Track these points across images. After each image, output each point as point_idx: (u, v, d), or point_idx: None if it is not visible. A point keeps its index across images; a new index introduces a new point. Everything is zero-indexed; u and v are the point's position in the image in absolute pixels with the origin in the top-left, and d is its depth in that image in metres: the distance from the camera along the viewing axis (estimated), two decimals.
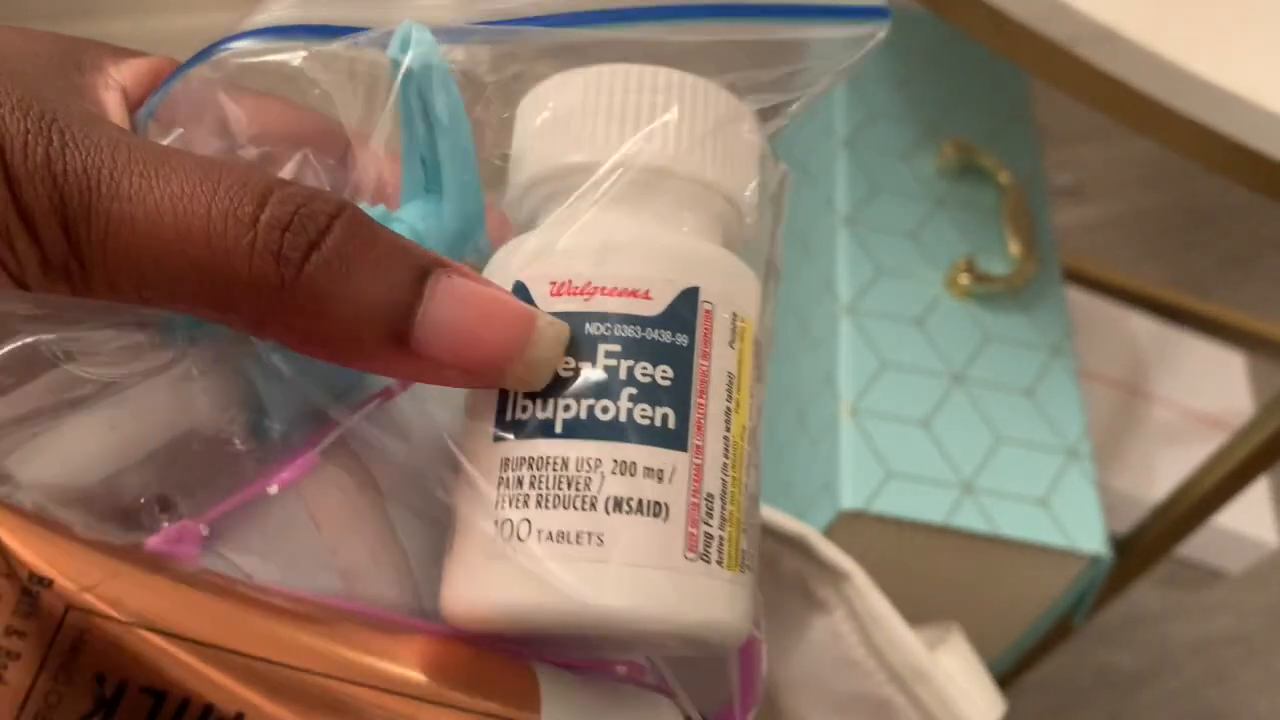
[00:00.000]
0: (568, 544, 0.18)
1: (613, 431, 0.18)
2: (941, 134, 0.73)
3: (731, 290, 0.20)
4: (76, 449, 0.19)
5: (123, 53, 0.23)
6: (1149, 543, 0.65)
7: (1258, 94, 0.45)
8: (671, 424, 0.18)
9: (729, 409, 0.19)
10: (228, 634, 0.17)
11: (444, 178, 0.21)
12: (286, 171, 0.22)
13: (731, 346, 0.20)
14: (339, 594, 0.20)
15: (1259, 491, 0.98)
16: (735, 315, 0.20)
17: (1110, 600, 0.68)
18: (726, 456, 0.19)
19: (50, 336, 0.19)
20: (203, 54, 0.21)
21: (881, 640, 0.39)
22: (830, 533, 0.56)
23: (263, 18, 0.21)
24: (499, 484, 0.19)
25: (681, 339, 0.19)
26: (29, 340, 0.19)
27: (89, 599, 0.16)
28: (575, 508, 0.18)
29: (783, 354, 0.75)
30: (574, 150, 0.20)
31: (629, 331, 0.19)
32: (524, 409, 0.19)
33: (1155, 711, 0.91)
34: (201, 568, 0.18)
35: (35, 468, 0.18)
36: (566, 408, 0.18)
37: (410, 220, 0.21)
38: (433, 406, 0.21)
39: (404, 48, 0.19)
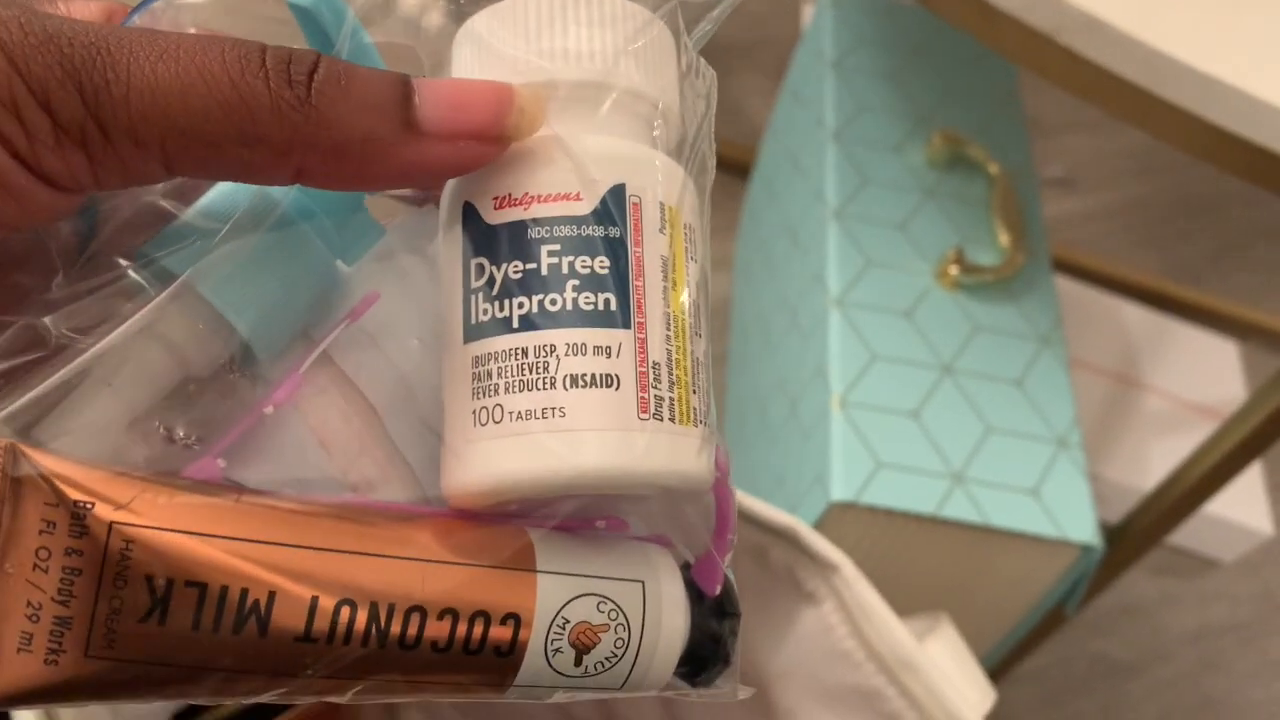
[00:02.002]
0: (535, 419, 0.20)
1: (562, 319, 0.21)
2: (931, 126, 0.73)
3: (658, 183, 0.22)
4: (89, 415, 0.21)
5: None
6: (1141, 532, 0.66)
7: (1244, 81, 0.45)
8: (614, 306, 0.21)
9: (666, 288, 0.22)
10: (251, 528, 0.20)
11: None
12: None
13: (662, 232, 0.22)
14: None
15: (1251, 479, 0.98)
16: (663, 205, 0.22)
17: (1103, 589, 0.68)
18: (669, 329, 0.22)
19: (44, 319, 0.21)
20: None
21: (870, 631, 0.39)
22: (822, 524, 0.56)
23: None
24: (472, 379, 0.21)
25: (614, 231, 0.21)
26: (26, 322, 0.21)
27: (126, 514, 0.19)
28: (538, 389, 0.21)
29: (773, 346, 0.75)
30: (507, 74, 0.22)
31: (566, 231, 0.21)
32: (484, 312, 0.21)
33: (1149, 700, 0.91)
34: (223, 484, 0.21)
35: (58, 434, 0.21)
36: (520, 305, 0.21)
37: None
38: (401, 330, 0.24)
39: None
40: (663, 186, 0.22)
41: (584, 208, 0.21)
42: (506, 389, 0.21)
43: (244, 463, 0.22)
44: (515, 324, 0.21)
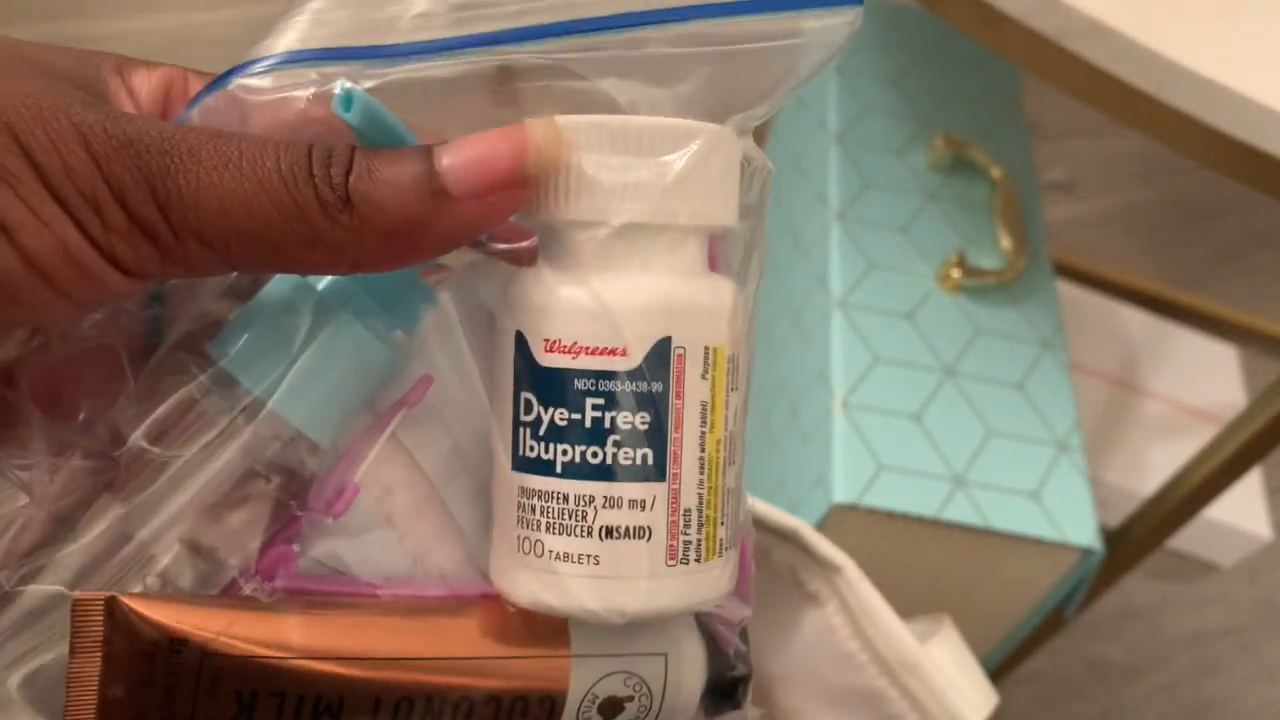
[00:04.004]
0: (572, 563, 0.23)
1: (601, 473, 0.22)
2: (933, 129, 0.73)
3: (703, 325, 0.23)
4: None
5: (130, 64, 0.25)
6: (1141, 536, 0.66)
7: (1247, 87, 0.45)
8: (650, 461, 0.23)
9: (704, 432, 0.23)
10: (320, 642, 0.23)
11: None
12: None
13: (704, 378, 0.23)
14: (410, 574, 0.25)
15: (1251, 484, 0.98)
16: (707, 349, 0.23)
17: (1102, 593, 0.68)
18: (702, 473, 0.23)
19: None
20: (218, 81, 0.23)
21: (873, 632, 0.39)
22: (823, 526, 0.56)
23: (273, 43, 0.23)
24: (518, 508, 0.23)
25: (657, 386, 0.22)
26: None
27: (216, 646, 0.22)
28: (576, 535, 0.22)
29: (775, 348, 0.75)
30: (565, 210, 0.22)
31: (610, 386, 0.22)
32: (531, 449, 0.23)
33: (1147, 704, 0.91)
34: (284, 597, 0.24)
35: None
36: (564, 452, 0.23)
37: None
38: (453, 400, 0.25)
39: (346, 107, 0.22)
40: (709, 328, 0.23)
41: (628, 364, 0.22)
42: (548, 529, 0.23)
43: (314, 536, 0.24)
44: (559, 469, 0.23)
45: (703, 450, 0.23)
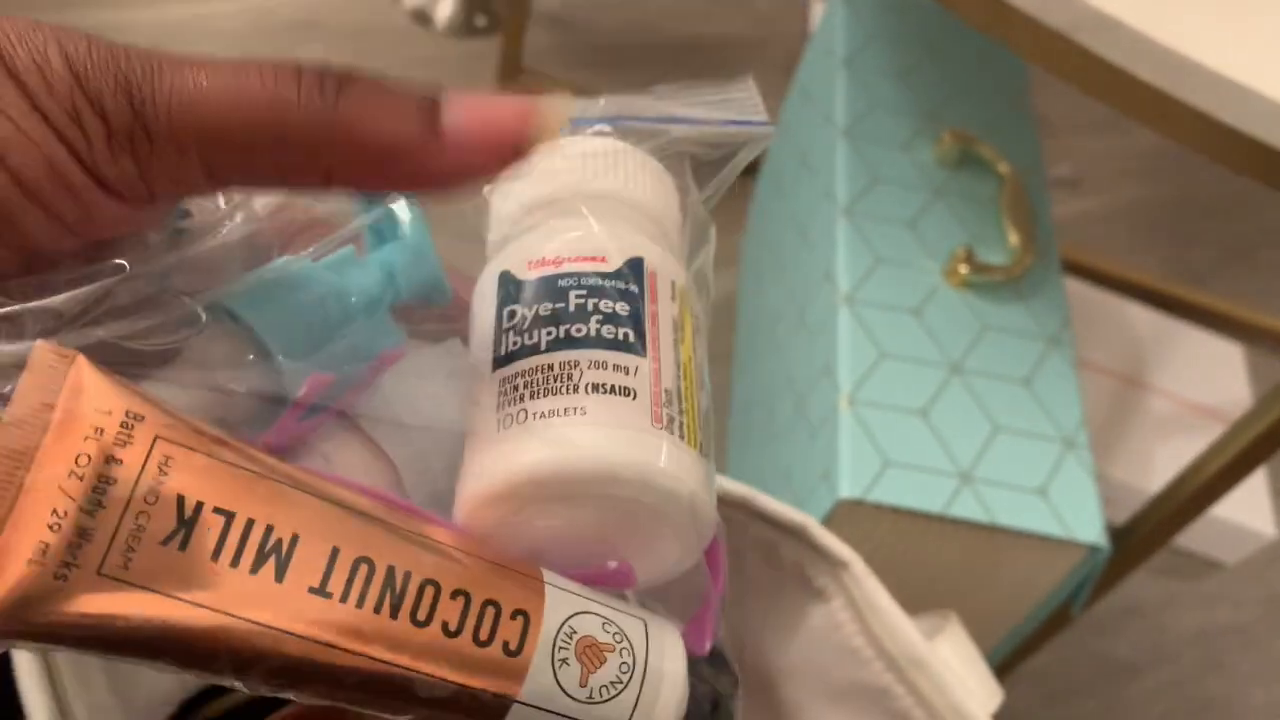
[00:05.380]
0: (557, 416, 0.22)
1: (586, 343, 0.23)
2: (940, 124, 0.73)
3: (668, 268, 0.25)
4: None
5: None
6: (1147, 533, 0.66)
7: (1259, 82, 0.45)
8: (632, 339, 0.23)
9: (676, 340, 0.24)
10: (286, 475, 0.21)
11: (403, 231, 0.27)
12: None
13: (673, 300, 0.25)
14: None
15: (1257, 482, 0.98)
16: (673, 283, 0.25)
17: (1108, 590, 0.68)
18: (678, 370, 0.24)
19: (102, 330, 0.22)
20: None
21: (880, 629, 0.39)
22: (829, 522, 0.56)
23: None
24: (498, 395, 0.23)
25: (633, 287, 0.24)
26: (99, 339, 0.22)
27: (173, 432, 0.20)
28: (562, 393, 0.22)
29: (781, 343, 0.75)
30: (544, 187, 0.26)
31: (592, 280, 0.24)
32: (514, 343, 0.23)
33: (1152, 700, 0.91)
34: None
35: None
36: (549, 333, 0.23)
37: (382, 257, 0.26)
38: (420, 411, 0.26)
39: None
40: (673, 270, 0.25)
41: (609, 267, 0.24)
42: (531, 396, 0.22)
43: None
44: (543, 347, 0.23)
45: (677, 354, 0.24)
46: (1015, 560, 0.58)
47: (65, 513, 0.18)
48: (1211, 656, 0.95)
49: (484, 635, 0.21)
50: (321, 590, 0.20)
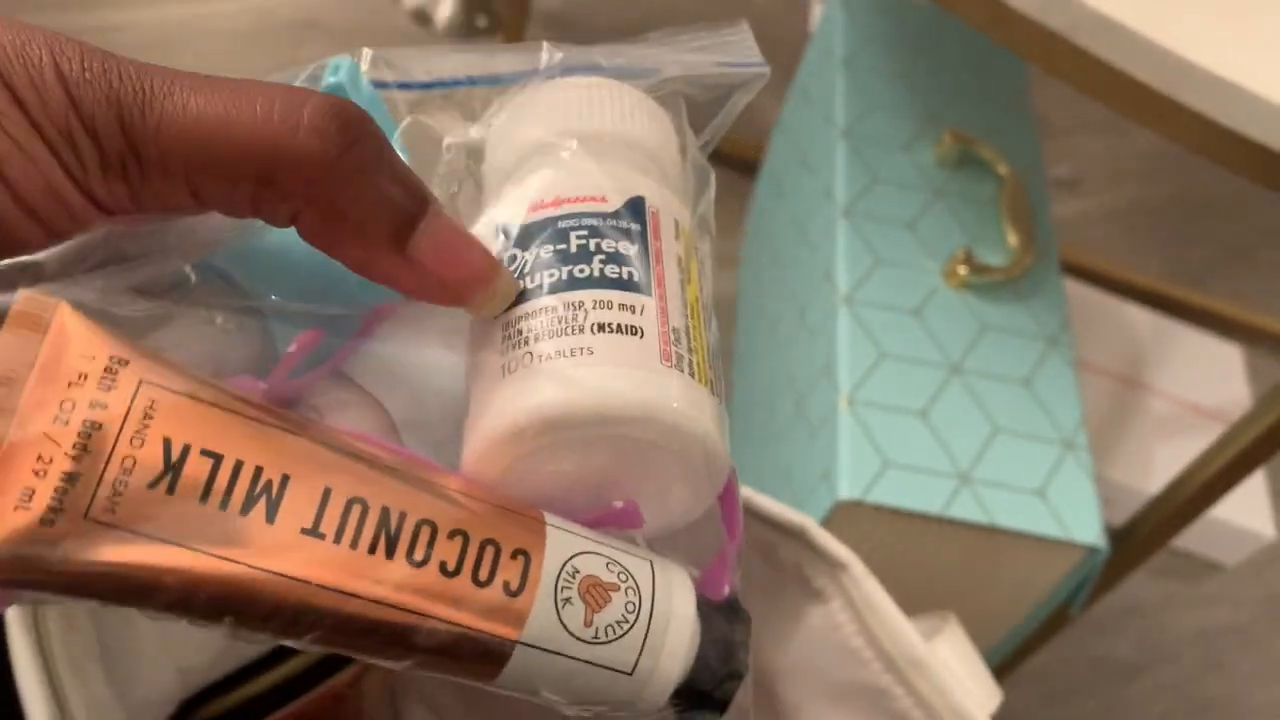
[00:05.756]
0: (564, 358, 0.21)
1: (590, 283, 0.22)
2: (940, 125, 0.73)
3: (670, 206, 0.24)
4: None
5: None
6: (1146, 534, 0.66)
7: (1259, 84, 0.45)
8: (637, 277, 0.23)
9: (682, 280, 0.23)
10: (276, 418, 0.20)
11: None
12: None
13: (676, 239, 0.24)
14: None
15: (1256, 484, 0.98)
16: (676, 222, 0.24)
17: (1107, 591, 0.68)
18: (685, 309, 0.23)
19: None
20: None
21: (879, 629, 0.39)
22: (828, 522, 0.56)
23: None
24: (502, 341, 0.22)
25: (635, 226, 0.23)
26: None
27: (158, 376, 0.19)
28: (567, 334, 0.22)
29: (781, 343, 0.75)
30: (539, 128, 0.25)
31: (593, 221, 0.23)
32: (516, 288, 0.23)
33: (1152, 701, 0.91)
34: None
35: None
36: (550, 274, 0.23)
37: None
38: (416, 355, 0.25)
39: (333, 73, 0.23)
40: (676, 209, 0.25)
41: (610, 207, 0.23)
42: (536, 339, 0.22)
43: None
44: (546, 289, 0.22)
45: (684, 292, 0.23)
46: (1014, 561, 0.58)
47: (50, 459, 0.18)
48: (1211, 657, 0.95)
49: (483, 575, 0.21)
50: (314, 531, 0.20)
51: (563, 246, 0.23)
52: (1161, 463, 0.94)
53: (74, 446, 0.18)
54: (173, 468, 0.19)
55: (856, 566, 0.40)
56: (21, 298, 0.19)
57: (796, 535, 0.40)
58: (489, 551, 0.21)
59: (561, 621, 0.21)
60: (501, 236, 0.24)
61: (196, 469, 0.19)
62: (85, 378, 0.19)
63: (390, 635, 0.20)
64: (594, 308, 0.22)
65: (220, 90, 0.20)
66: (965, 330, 0.63)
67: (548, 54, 0.26)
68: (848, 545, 0.40)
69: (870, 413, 0.58)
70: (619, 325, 0.22)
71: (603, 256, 0.23)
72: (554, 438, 0.22)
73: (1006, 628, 0.66)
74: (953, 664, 0.40)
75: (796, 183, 0.80)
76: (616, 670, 0.22)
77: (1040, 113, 0.79)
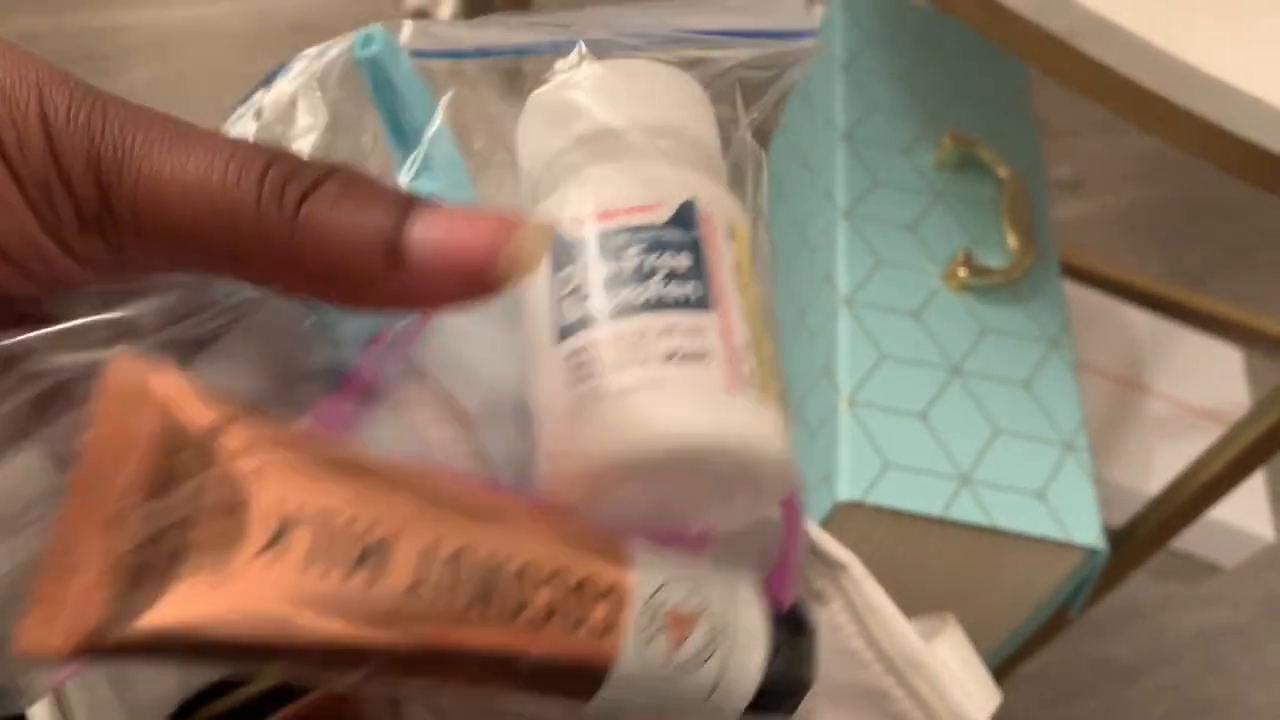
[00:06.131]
0: (635, 394, 0.21)
1: (650, 305, 0.22)
2: (940, 127, 0.73)
3: (722, 205, 0.24)
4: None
5: None
6: (1145, 535, 0.66)
7: (1256, 86, 0.45)
8: (698, 296, 0.22)
9: (739, 286, 0.23)
10: (373, 468, 0.20)
11: (425, 151, 0.25)
12: None
13: (731, 241, 0.23)
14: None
15: (1254, 484, 0.98)
16: (730, 224, 0.24)
17: (1106, 592, 0.68)
18: (746, 320, 0.23)
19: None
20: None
21: (878, 631, 0.39)
22: (828, 523, 0.56)
23: None
24: (566, 372, 0.22)
25: (689, 235, 0.23)
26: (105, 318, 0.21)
27: (259, 440, 0.19)
28: (635, 365, 0.21)
29: (781, 345, 0.75)
30: (579, 124, 0.24)
31: (647, 236, 0.22)
32: (574, 312, 0.22)
33: (1151, 703, 0.91)
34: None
35: None
36: (611, 298, 0.22)
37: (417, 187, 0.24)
38: (484, 342, 0.24)
39: (366, 45, 0.22)
40: (728, 209, 0.24)
41: (662, 216, 0.23)
42: (601, 371, 0.21)
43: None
44: (607, 315, 0.22)
45: (742, 299, 0.23)
46: (1014, 562, 0.58)
47: (148, 526, 0.18)
48: (1210, 658, 0.95)
49: (576, 616, 0.21)
50: (414, 591, 0.20)
51: (618, 266, 0.22)
52: (1161, 464, 0.94)
53: (170, 512, 0.18)
54: (276, 535, 0.19)
55: (856, 568, 0.40)
56: (114, 362, 0.19)
57: None
58: (583, 592, 0.21)
59: (649, 655, 0.22)
60: (549, 255, 0.23)
61: (296, 538, 0.19)
62: (184, 446, 0.19)
63: (482, 675, 0.21)
64: (658, 335, 0.22)
65: (197, 148, 0.19)
66: (965, 332, 0.63)
67: (592, 21, 0.25)
68: (847, 546, 0.40)
69: (870, 414, 0.58)
70: (686, 353, 0.22)
71: (662, 275, 0.22)
72: (631, 478, 0.22)
73: (1006, 629, 0.66)
74: (952, 665, 0.40)
75: (797, 185, 0.80)
76: (696, 695, 0.22)
77: (1040, 114, 0.79)
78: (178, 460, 0.19)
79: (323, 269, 0.19)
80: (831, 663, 0.40)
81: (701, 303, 0.22)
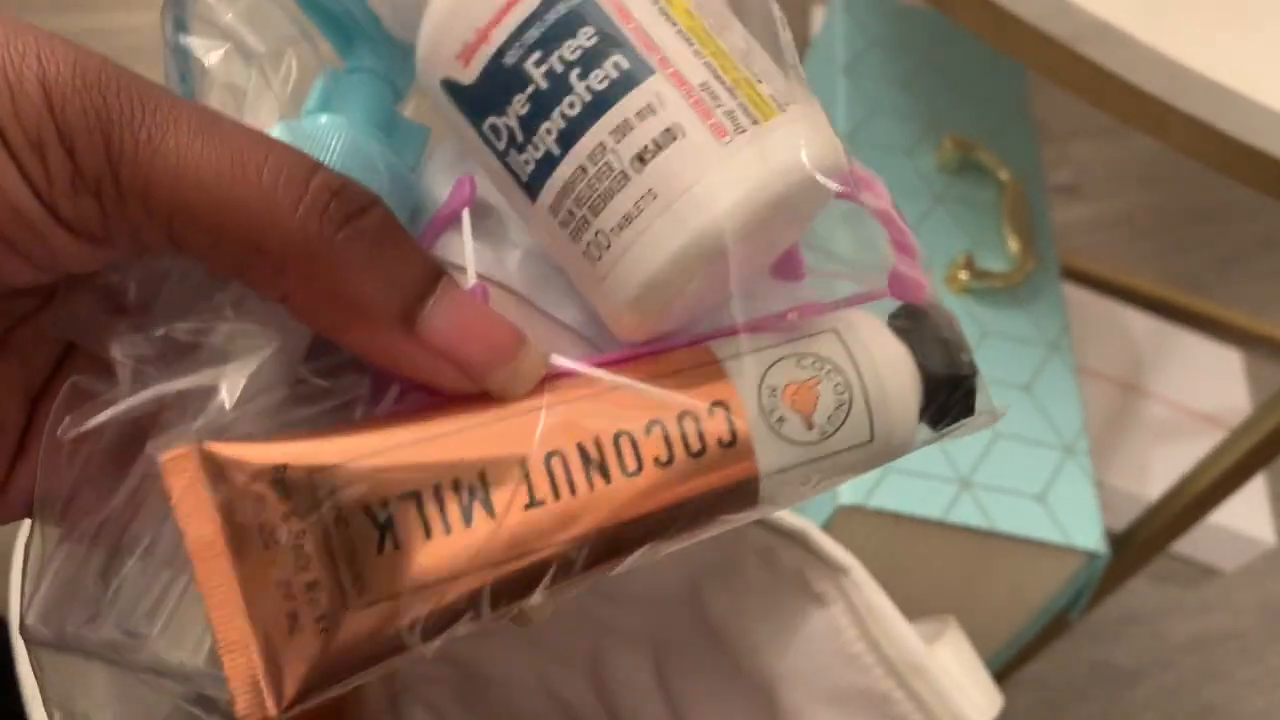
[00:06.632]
0: (635, 220, 0.20)
1: (591, 114, 0.19)
2: (941, 130, 0.73)
3: None
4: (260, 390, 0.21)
5: None
6: (1145, 539, 0.66)
7: (1259, 92, 0.45)
8: (625, 63, 0.19)
9: (661, 8, 0.20)
10: (427, 430, 0.20)
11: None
12: None
13: None
14: None
15: (1255, 489, 0.98)
16: None
17: (1107, 596, 0.68)
18: (690, 44, 0.20)
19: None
20: None
21: (879, 634, 0.39)
22: (829, 527, 0.56)
23: None
24: (561, 228, 0.20)
25: (573, 3, 0.20)
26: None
27: (317, 460, 0.19)
28: (617, 191, 0.20)
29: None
30: None
31: (534, 33, 0.20)
32: (526, 163, 0.20)
33: (1150, 707, 0.91)
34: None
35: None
36: (547, 131, 0.20)
37: (360, 61, 0.24)
38: (506, 211, 0.23)
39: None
40: None
41: (532, 2, 0.20)
42: (592, 211, 0.20)
43: None
44: (556, 152, 0.20)
45: (674, 24, 0.20)
46: (1014, 566, 0.58)
47: (285, 580, 0.18)
48: (1210, 663, 0.95)
49: (695, 447, 0.21)
50: (533, 502, 0.20)
51: (530, 88, 0.20)
52: (1161, 468, 0.94)
53: (297, 559, 0.19)
54: (385, 526, 0.19)
55: (857, 571, 0.40)
56: (164, 460, 0.19)
57: (797, 540, 0.40)
58: (688, 422, 0.21)
59: (785, 438, 0.21)
60: (456, 103, 0.21)
61: (405, 515, 0.19)
62: (263, 500, 0.19)
63: (643, 536, 0.21)
64: (615, 141, 0.19)
65: (226, 140, 0.19)
66: (966, 335, 0.63)
67: None
68: (849, 550, 0.40)
69: None
70: (654, 142, 0.19)
71: (577, 70, 0.19)
72: (689, 278, 0.20)
73: (1007, 633, 0.66)
74: (953, 669, 0.40)
75: None
76: (858, 445, 0.22)
77: (1041, 118, 0.79)
78: (262, 516, 0.19)
79: (339, 296, 0.19)
80: (833, 665, 0.41)
81: (636, 72, 0.19)
